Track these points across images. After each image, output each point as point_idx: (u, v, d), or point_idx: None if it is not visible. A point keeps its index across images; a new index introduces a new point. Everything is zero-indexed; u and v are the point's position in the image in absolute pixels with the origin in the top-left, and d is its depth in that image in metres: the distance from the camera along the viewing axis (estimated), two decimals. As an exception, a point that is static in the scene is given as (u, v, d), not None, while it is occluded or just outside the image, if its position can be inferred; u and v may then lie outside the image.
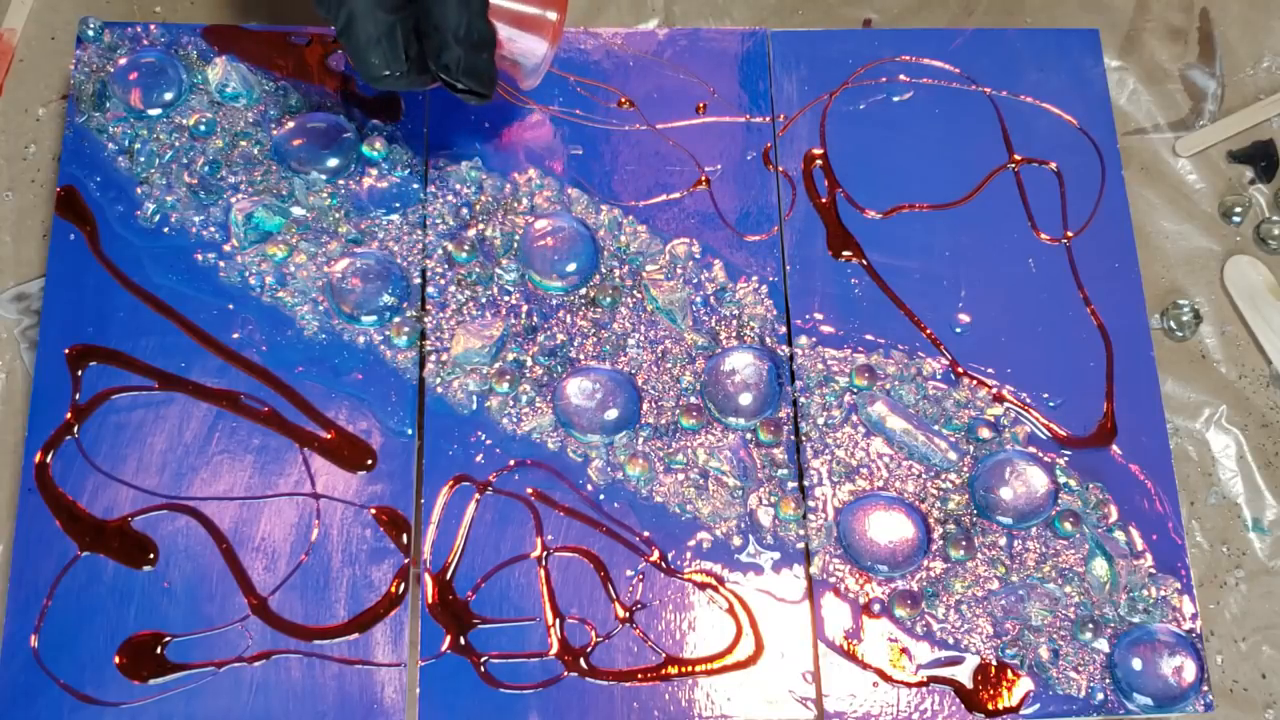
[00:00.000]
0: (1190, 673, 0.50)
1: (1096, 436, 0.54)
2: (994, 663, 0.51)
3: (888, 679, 0.50)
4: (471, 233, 0.56)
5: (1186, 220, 0.61)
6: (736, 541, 0.52)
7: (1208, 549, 0.55)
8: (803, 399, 0.54)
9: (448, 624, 0.50)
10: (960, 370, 0.55)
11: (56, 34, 0.61)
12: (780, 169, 0.58)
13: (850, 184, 0.58)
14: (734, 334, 0.55)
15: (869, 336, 0.56)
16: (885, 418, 0.54)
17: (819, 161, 0.59)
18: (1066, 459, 0.54)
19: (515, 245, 0.56)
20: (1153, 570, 0.52)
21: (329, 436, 0.53)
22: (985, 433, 0.54)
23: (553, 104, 0.59)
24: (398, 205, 0.57)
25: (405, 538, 0.52)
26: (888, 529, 0.52)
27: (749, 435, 0.54)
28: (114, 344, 0.54)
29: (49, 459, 0.52)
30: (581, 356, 0.54)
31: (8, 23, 0.60)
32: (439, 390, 0.54)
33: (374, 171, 0.57)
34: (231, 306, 0.54)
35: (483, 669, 0.50)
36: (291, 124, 0.57)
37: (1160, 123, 0.63)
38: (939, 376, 0.55)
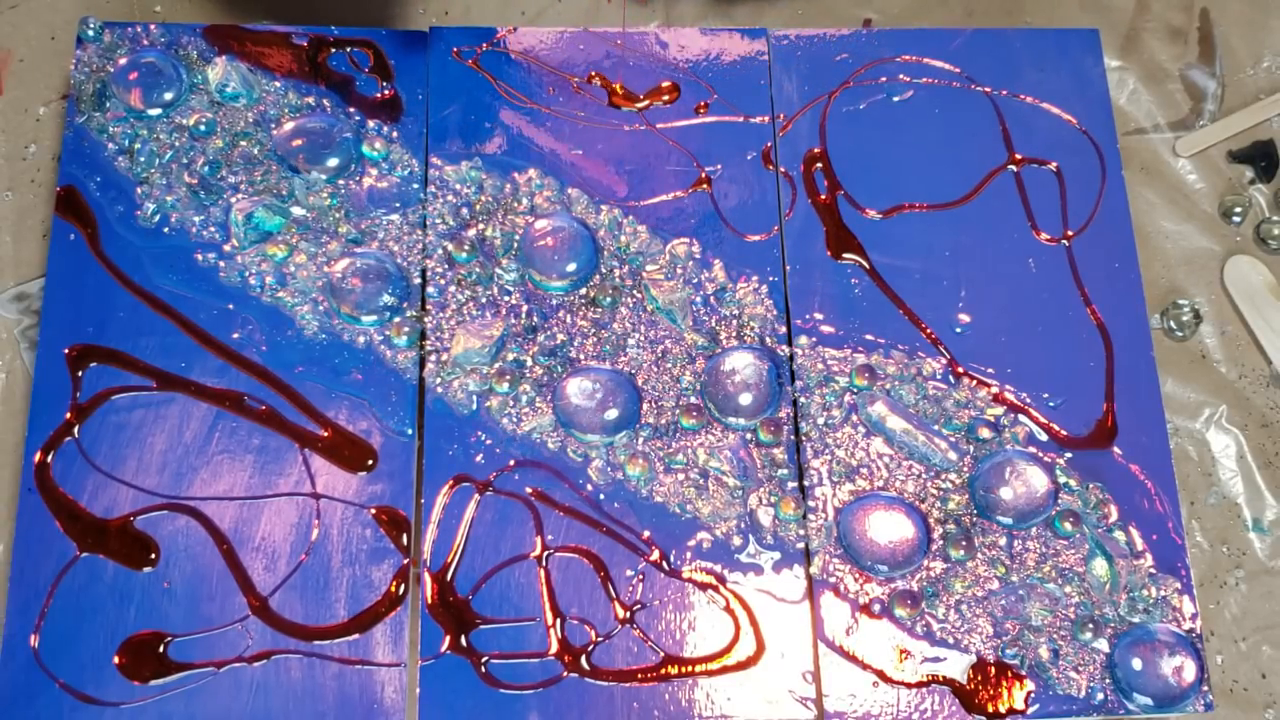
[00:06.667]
0: (1190, 673, 0.50)
1: (1096, 436, 0.54)
2: (993, 663, 0.51)
3: (888, 679, 0.50)
4: (471, 233, 0.56)
5: (1186, 220, 0.61)
6: (736, 541, 0.52)
7: (1208, 549, 0.55)
8: (803, 399, 0.54)
9: (448, 624, 0.50)
10: (960, 370, 0.55)
11: (56, 34, 0.61)
12: (780, 169, 0.58)
13: (850, 184, 0.58)
14: (734, 334, 0.55)
15: (869, 336, 0.56)
16: (885, 418, 0.54)
17: (819, 162, 0.59)
18: (1066, 459, 0.54)
19: (515, 245, 0.56)
20: (1153, 570, 0.52)
21: (329, 436, 0.53)
22: (985, 433, 0.54)
23: (553, 104, 0.59)
24: (398, 205, 0.57)
25: (405, 538, 0.52)
26: (888, 529, 0.52)
27: (749, 435, 0.54)
28: (114, 344, 0.53)
29: (49, 459, 0.52)
30: (581, 356, 0.54)
31: None
32: (439, 390, 0.54)
33: (374, 171, 0.57)
34: (231, 306, 0.54)
35: (483, 669, 0.50)
36: (291, 124, 0.57)
37: (1160, 122, 0.63)
38: (939, 376, 0.55)
